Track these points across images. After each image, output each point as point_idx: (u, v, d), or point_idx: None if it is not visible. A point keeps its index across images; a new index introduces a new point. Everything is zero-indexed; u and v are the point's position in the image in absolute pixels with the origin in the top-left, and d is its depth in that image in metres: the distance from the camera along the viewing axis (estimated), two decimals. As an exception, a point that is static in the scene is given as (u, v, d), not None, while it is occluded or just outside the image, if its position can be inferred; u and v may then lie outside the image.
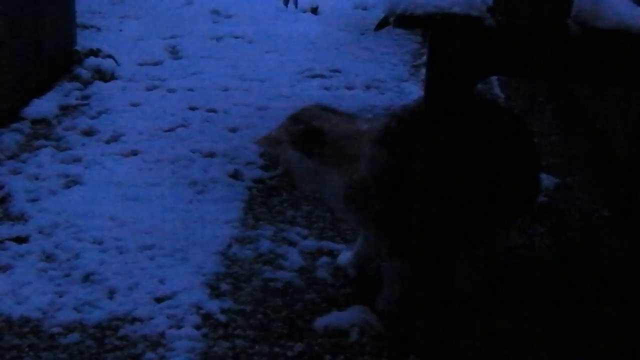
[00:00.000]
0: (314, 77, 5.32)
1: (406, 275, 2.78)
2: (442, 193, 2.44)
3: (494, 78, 5.18)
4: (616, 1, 2.36)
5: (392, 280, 2.87)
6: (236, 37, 6.13)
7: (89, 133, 4.35)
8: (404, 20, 2.32)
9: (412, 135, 2.59)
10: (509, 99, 4.94)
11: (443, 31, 2.34)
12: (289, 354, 2.69)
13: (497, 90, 5.06)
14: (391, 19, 2.35)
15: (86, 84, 4.97)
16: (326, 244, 3.30)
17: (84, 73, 5.03)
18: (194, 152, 4.12)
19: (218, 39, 6.07)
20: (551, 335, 2.79)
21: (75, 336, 2.76)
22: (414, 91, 5.00)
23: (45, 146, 4.15)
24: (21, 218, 3.48)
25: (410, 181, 2.62)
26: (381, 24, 2.77)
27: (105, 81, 5.06)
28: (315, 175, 2.86)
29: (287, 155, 2.87)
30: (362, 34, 6.28)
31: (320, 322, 2.82)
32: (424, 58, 5.56)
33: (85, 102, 4.76)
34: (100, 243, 3.30)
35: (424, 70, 5.26)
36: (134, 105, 4.73)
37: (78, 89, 4.89)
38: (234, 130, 4.42)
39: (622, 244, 3.36)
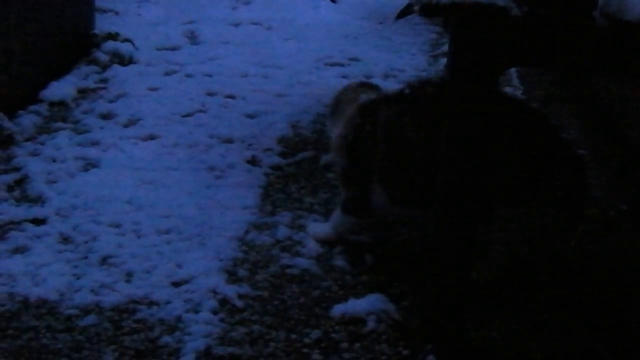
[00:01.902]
0: (332, 65, 5.30)
1: (349, 230, 3.23)
2: (461, 179, 2.45)
3: (512, 69, 5.16)
4: (642, -7, 2.34)
5: (335, 224, 3.22)
6: (255, 24, 6.12)
7: (107, 116, 4.35)
8: (429, 9, 2.31)
9: (381, 111, 3.04)
10: (528, 91, 4.92)
11: (468, 20, 2.33)
12: (306, 340, 2.69)
13: (515, 82, 5.04)
14: (416, 7, 2.34)
15: (104, 67, 4.97)
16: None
17: (102, 57, 5.03)
18: (212, 138, 4.12)
19: (237, 25, 6.06)
20: (568, 328, 2.78)
21: (92, 318, 2.77)
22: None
23: (63, 129, 4.16)
24: (39, 200, 3.49)
25: (370, 147, 3.04)
26: (403, 12, 2.78)
27: (124, 65, 5.05)
28: (331, 134, 3.27)
29: (327, 122, 3.38)
30: (381, 23, 6.26)
31: (338, 309, 2.82)
32: (443, 48, 5.55)
33: (103, 85, 4.76)
34: (117, 226, 3.31)
35: (442, 61, 5.25)
36: (152, 89, 4.73)
37: (96, 73, 4.89)
38: (252, 116, 4.41)
39: (639, 238, 3.35)
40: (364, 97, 3.16)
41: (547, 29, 2.33)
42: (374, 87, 3.31)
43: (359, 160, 3.11)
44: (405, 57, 5.54)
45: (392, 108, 3.02)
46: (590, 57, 2.38)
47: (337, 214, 3.22)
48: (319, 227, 3.29)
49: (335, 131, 3.21)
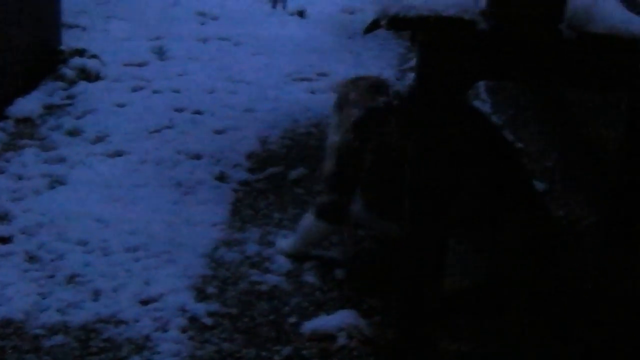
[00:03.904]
0: (300, 80, 5.29)
1: (319, 238, 3.22)
2: (431, 190, 2.44)
3: (481, 82, 5.17)
4: (609, 6, 2.35)
5: (304, 233, 3.22)
6: (223, 39, 6.09)
7: (73, 133, 4.31)
8: (396, 23, 2.30)
9: (372, 125, 3.09)
10: (497, 103, 4.93)
11: (435, 34, 2.32)
12: (276, 358, 2.67)
13: (484, 96, 5.05)
14: (383, 21, 2.34)
15: (71, 83, 4.92)
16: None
17: (69, 73, 4.99)
18: (179, 154, 4.09)
19: (204, 41, 6.03)
20: (541, 341, 2.78)
21: (59, 338, 2.74)
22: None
23: (30, 146, 4.11)
24: (4, 218, 3.44)
25: (360, 161, 3.07)
26: (371, 27, 2.77)
27: (91, 81, 5.01)
28: (329, 126, 3.29)
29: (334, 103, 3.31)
30: (349, 38, 6.26)
31: (308, 326, 2.81)
32: (411, 62, 5.55)
33: (70, 101, 4.72)
34: (84, 244, 3.27)
35: (410, 75, 5.25)
36: (119, 105, 4.69)
37: (63, 89, 4.84)
38: (219, 132, 4.39)
39: (608, 250, 3.34)
40: (361, 110, 3.16)
41: (514, 42, 2.32)
42: (382, 85, 3.31)
43: (345, 170, 3.14)
44: (374, 72, 5.51)
45: (381, 127, 3.06)
46: (558, 69, 2.38)
47: (308, 219, 3.21)
48: (286, 242, 3.28)
49: (332, 134, 3.23)
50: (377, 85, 3.27)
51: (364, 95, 3.21)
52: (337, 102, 3.28)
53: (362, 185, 3.08)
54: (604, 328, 2.87)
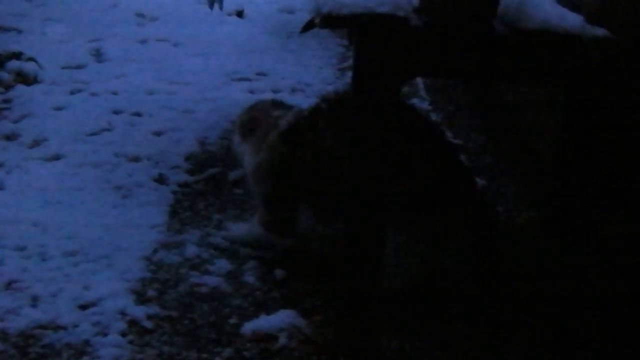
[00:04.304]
0: (239, 80, 5.27)
1: (260, 243, 3.25)
2: (368, 188, 2.44)
3: (419, 80, 5.19)
4: (541, 2, 2.37)
5: (248, 237, 3.28)
6: (161, 40, 6.06)
7: (10, 137, 4.26)
8: (329, 21, 2.30)
9: (304, 133, 3.07)
10: (435, 101, 4.95)
11: (369, 31, 2.32)
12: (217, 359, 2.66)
13: (422, 93, 5.06)
14: (317, 20, 2.33)
15: (7, 87, 4.87)
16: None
17: (5, 76, 4.93)
18: (118, 156, 4.06)
19: (143, 42, 6.00)
20: (483, 340, 2.79)
21: (-4, 345, 2.71)
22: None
23: (-35, 151, 4.07)
24: (-60, 225, 3.40)
25: (298, 171, 3.07)
26: (307, 26, 2.78)
27: (28, 85, 4.96)
28: (243, 156, 3.30)
29: (234, 138, 3.40)
30: (288, 37, 6.25)
31: (249, 326, 2.80)
32: (350, 61, 5.55)
33: (6, 105, 4.67)
34: (22, 249, 3.23)
35: (350, 74, 5.24)
36: (57, 109, 4.64)
37: (-1, 93, 4.80)
38: (159, 133, 4.36)
39: (547, 244, 3.37)
40: (283, 122, 3.16)
41: (448, 38, 2.33)
42: (285, 105, 3.36)
43: (286, 187, 3.13)
44: (313, 71, 5.54)
45: (316, 131, 3.05)
46: (493, 65, 2.39)
47: (256, 228, 3.24)
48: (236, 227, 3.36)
49: (253, 156, 3.22)
50: (276, 103, 3.36)
51: (272, 113, 3.26)
52: (241, 131, 3.33)
53: (307, 196, 3.07)
54: (542, 321, 2.89)
